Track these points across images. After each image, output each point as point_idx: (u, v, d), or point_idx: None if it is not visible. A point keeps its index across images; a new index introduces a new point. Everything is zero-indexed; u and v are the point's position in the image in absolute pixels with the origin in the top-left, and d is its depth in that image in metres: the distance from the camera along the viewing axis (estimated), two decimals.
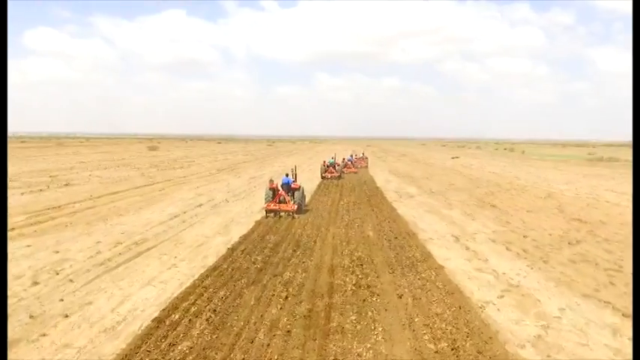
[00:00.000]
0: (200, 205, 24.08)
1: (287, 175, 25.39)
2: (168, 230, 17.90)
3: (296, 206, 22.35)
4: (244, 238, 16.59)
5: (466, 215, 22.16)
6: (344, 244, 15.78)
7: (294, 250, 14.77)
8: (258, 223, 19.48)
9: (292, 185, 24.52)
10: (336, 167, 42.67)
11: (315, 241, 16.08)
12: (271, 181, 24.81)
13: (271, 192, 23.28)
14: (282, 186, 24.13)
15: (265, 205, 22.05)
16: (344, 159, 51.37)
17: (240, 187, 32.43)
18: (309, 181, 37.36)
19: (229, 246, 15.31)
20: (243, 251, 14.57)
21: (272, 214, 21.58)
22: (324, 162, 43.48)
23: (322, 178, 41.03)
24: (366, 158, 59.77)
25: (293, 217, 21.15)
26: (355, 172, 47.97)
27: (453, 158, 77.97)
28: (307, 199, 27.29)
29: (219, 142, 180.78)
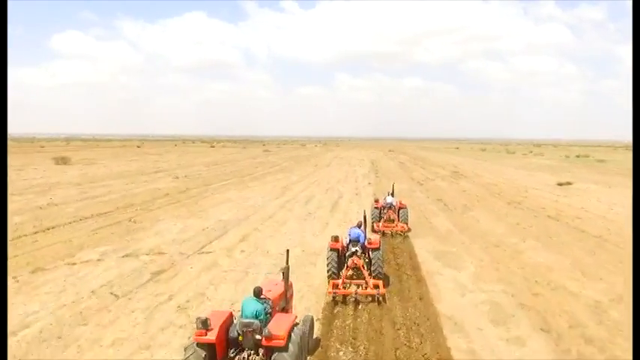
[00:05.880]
0: None
1: None
2: None
3: None
4: None
5: None
6: None
7: None
8: None
9: None
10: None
11: None
12: None
13: None
14: None
15: None
16: (345, 242, 13.57)
17: None
18: None
19: None
20: None
21: None
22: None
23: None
24: (404, 208, 21.35)
25: None
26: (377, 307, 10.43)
27: (561, 185, 38.90)
28: None
29: (213, 146, 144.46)
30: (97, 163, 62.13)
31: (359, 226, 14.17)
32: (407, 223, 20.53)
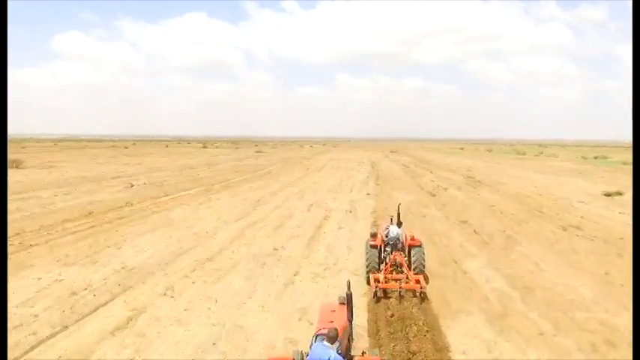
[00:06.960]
0: None
1: None
2: None
3: None
4: None
5: None
6: None
7: None
8: None
9: None
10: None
11: None
12: None
13: None
14: None
15: None
16: None
17: None
18: None
19: None
20: None
21: None
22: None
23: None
24: (417, 246, 12.89)
25: None
26: None
27: (609, 196, 30.35)
28: None
29: (205, 146, 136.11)
30: (56, 166, 53.71)
31: (331, 339, 5.74)
32: (424, 273, 12.19)
